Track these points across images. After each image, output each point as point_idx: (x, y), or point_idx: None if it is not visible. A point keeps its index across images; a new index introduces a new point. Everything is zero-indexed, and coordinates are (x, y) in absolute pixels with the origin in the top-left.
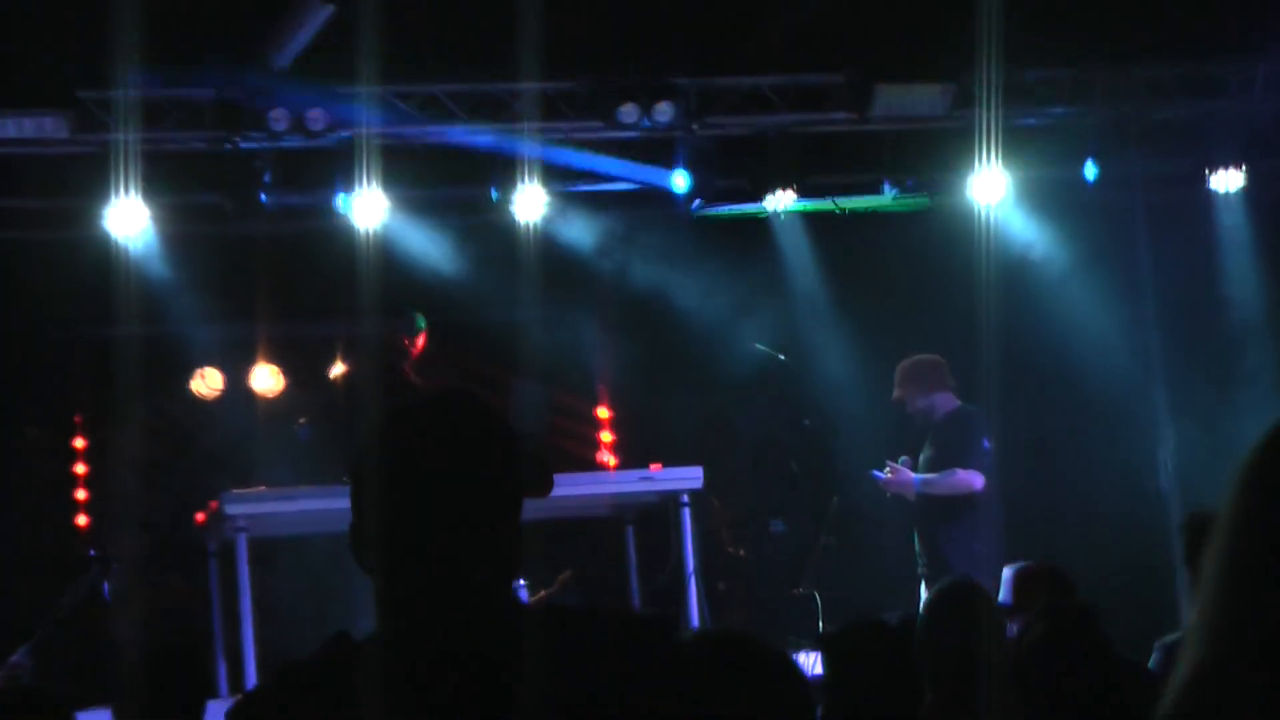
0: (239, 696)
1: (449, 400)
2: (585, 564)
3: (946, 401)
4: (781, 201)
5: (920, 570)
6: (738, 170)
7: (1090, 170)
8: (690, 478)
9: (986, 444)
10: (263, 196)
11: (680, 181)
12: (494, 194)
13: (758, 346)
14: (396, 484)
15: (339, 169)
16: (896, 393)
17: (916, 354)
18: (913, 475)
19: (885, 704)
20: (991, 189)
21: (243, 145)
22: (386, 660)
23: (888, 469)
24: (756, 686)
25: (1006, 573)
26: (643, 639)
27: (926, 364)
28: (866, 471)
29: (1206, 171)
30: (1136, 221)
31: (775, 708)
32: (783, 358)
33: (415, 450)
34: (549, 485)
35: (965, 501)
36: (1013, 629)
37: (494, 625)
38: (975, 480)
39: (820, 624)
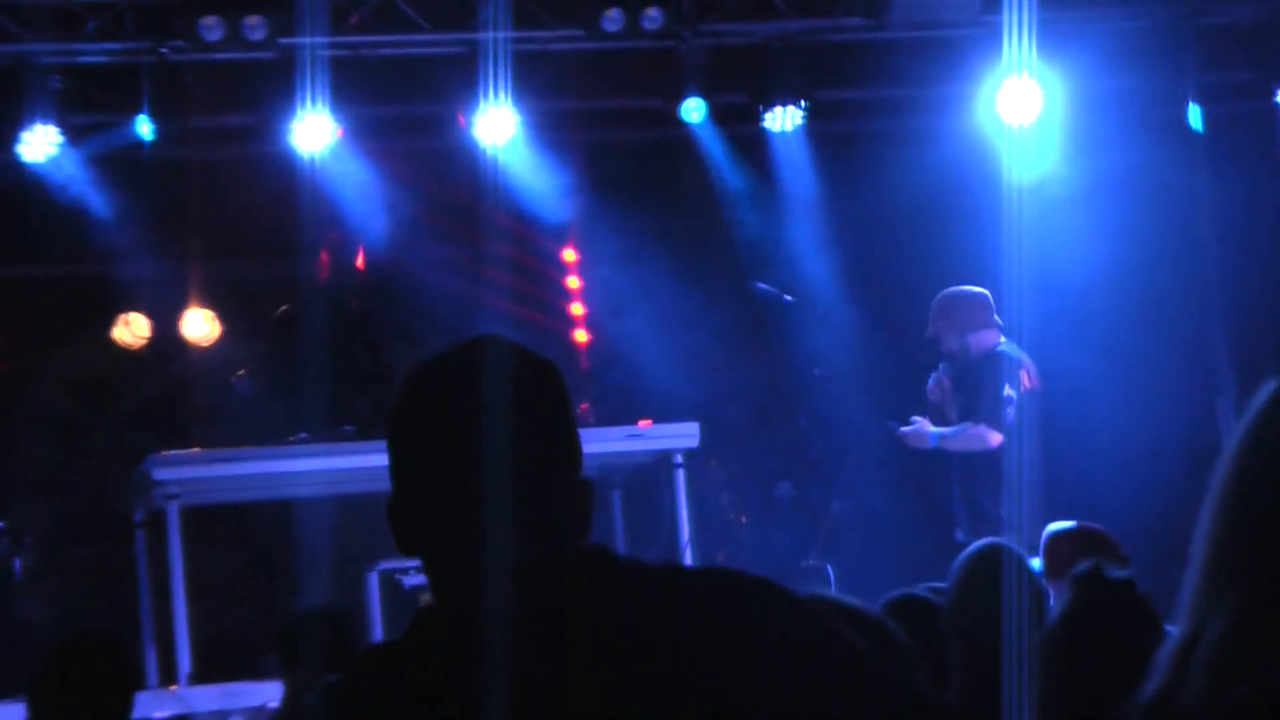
0: (332, 685)
1: (489, 349)
2: None
3: (984, 341)
4: (785, 120)
5: (959, 538)
6: (735, 85)
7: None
8: (684, 435)
9: (1008, 392)
10: None
11: (695, 114)
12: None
13: (759, 286)
14: (446, 454)
15: (281, 86)
16: (930, 329)
17: (954, 286)
18: (930, 429)
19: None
20: (1025, 105)
21: (170, 57)
22: (486, 634)
23: (915, 422)
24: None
25: (1044, 535)
26: (764, 594)
27: (966, 297)
28: (885, 423)
29: (1276, 85)
30: (1193, 142)
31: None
32: (789, 298)
33: (464, 410)
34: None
35: (985, 459)
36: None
37: (594, 584)
38: (989, 436)
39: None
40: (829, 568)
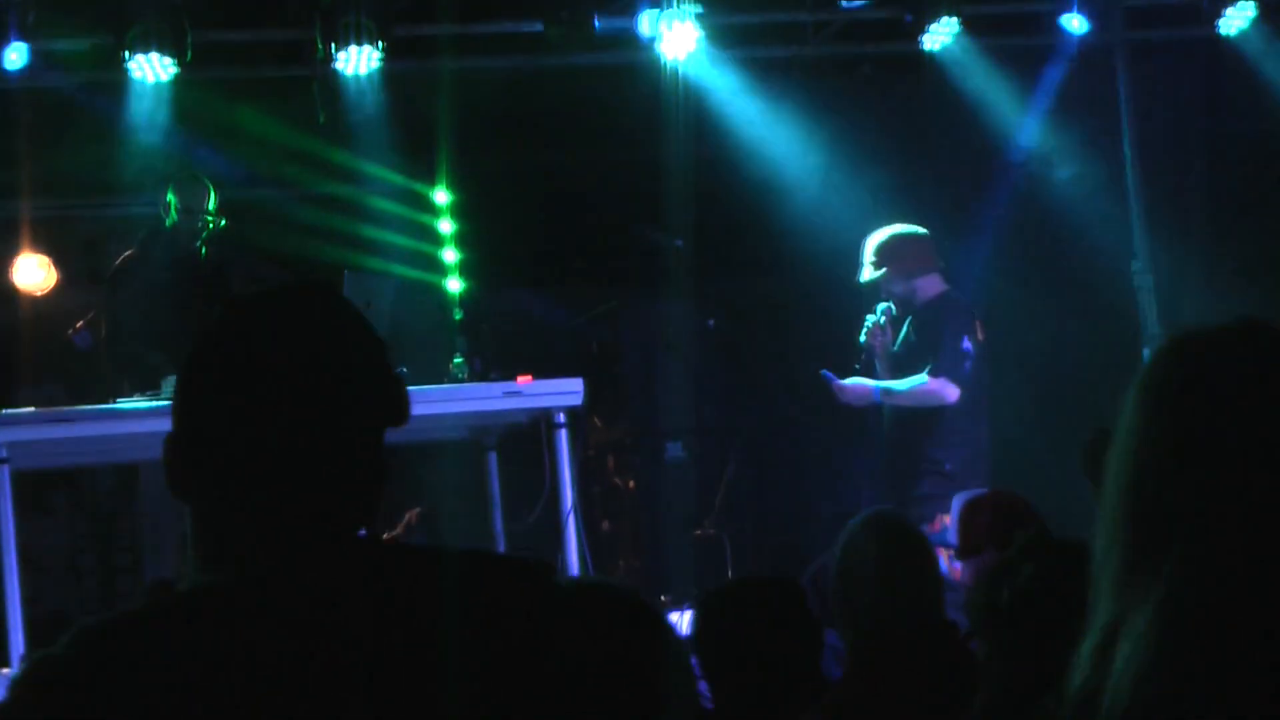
0: (34, 659)
1: (307, 296)
2: (437, 499)
3: (930, 285)
4: (679, 42)
5: (875, 497)
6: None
7: (1075, 22)
8: (567, 391)
9: (967, 344)
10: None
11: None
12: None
13: (645, 229)
14: (239, 394)
15: (119, 7)
16: (867, 271)
17: (892, 226)
18: (871, 384)
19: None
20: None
21: None
22: (222, 613)
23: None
24: (624, 645)
25: (955, 504)
26: (518, 583)
27: (911, 238)
28: (819, 371)
29: (1207, 6)
30: (1117, 76)
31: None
32: (679, 242)
33: (264, 354)
34: (405, 410)
35: (933, 414)
36: (964, 571)
37: (348, 570)
38: (947, 391)
39: (730, 572)
40: (724, 538)
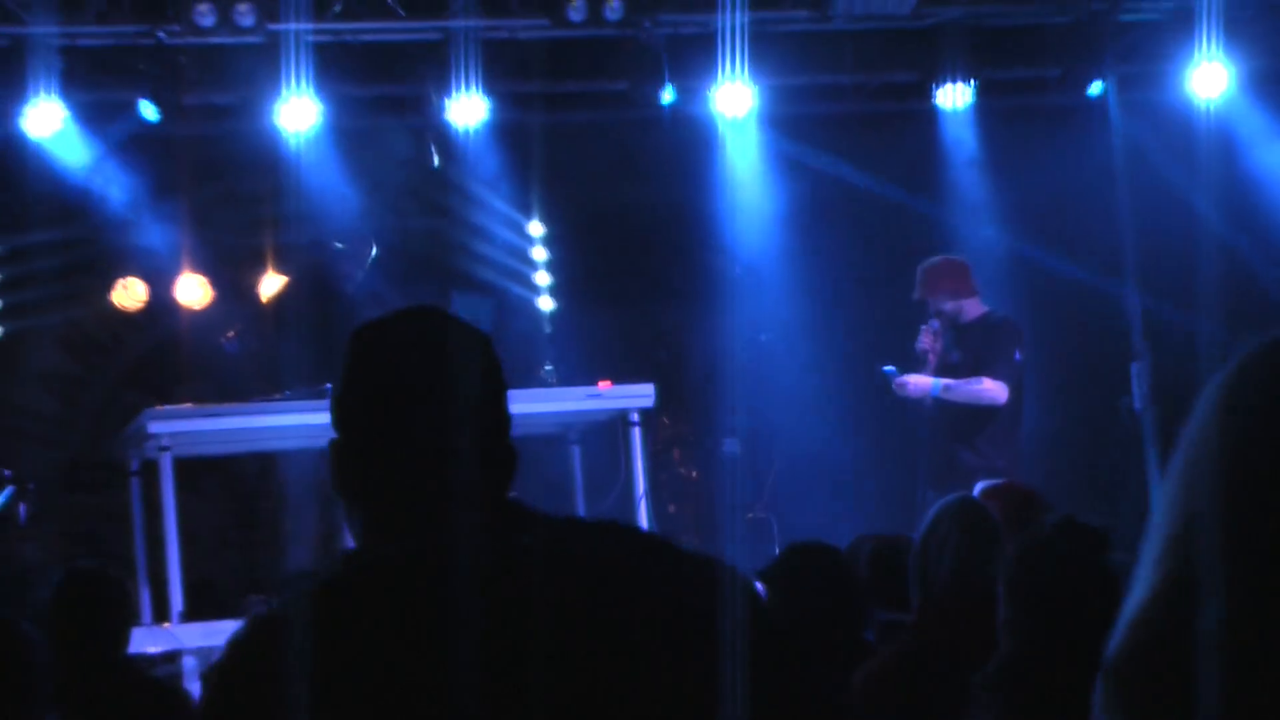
0: (250, 619)
1: (431, 319)
2: (528, 486)
3: (974, 306)
4: (736, 102)
5: (926, 488)
6: (686, 70)
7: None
8: (641, 395)
9: (1019, 355)
10: None
11: (666, 97)
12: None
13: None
14: (385, 407)
15: (267, 68)
16: (918, 292)
17: (938, 255)
18: (930, 380)
19: (826, 628)
20: (955, 95)
21: (166, 41)
22: (409, 582)
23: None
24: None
25: (975, 490)
26: (664, 551)
27: (953, 266)
28: (879, 367)
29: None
30: (1109, 129)
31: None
32: (740, 270)
33: (409, 365)
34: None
35: (986, 414)
36: None
37: (506, 537)
38: (1000, 393)
39: (777, 549)
40: (772, 519)
